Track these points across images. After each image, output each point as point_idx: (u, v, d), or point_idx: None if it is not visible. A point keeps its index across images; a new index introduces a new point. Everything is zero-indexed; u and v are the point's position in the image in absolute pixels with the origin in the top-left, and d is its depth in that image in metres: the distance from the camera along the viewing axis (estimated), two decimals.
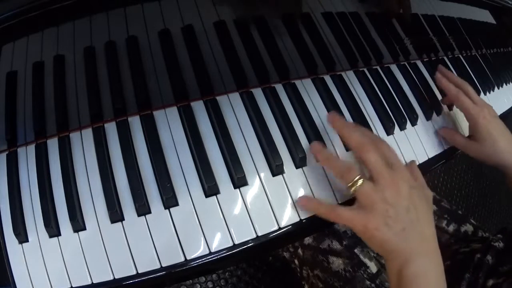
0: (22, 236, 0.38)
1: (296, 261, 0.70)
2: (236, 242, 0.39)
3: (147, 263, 0.38)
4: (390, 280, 0.39)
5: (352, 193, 0.39)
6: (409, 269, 0.37)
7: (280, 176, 0.43)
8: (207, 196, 0.40)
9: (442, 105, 0.58)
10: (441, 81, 0.54)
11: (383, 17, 0.61)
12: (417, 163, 0.51)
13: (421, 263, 0.37)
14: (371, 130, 0.49)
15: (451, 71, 0.66)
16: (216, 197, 0.41)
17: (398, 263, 0.38)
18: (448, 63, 0.67)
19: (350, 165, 0.40)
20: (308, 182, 0.43)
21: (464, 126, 0.57)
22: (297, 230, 0.42)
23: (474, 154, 0.51)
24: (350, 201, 0.44)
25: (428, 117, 0.56)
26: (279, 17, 0.51)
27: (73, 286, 0.37)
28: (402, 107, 0.54)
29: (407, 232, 0.38)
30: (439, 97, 0.59)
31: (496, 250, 0.56)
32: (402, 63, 0.60)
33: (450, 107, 0.58)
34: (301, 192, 0.43)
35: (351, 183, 0.39)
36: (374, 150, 0.39)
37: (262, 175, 0.42)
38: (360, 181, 0.38)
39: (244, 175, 0.41)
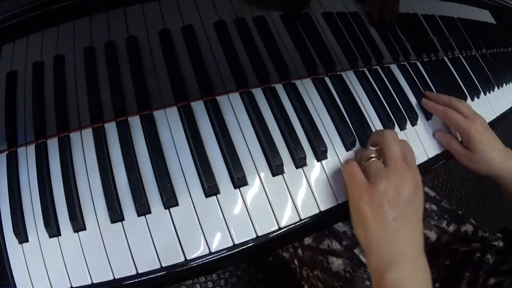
0: (22, 236, 0.38)
1: (296, 262, 0.70)
2: (236, 242, 0.39)
3: (147, 263, 0.38)
4: (371, 276, 0.37)
5: (363, 166, 0.41)
6: (392, 274, 0.35)
7: (280, 176, 0.43)
8: (207, 196, 0.40)
9: None
10: (428, 105, 0.55)
11: (379, 17, 0.61)
12: (417, 163, 0.51)
13: (405, 269, 0.35)
14: (372, 130, 0.49)
15: (451, 71, 0.66)
16: (216, 197, 0.41)
17: (378, 262, 0.36)
18: (448, 63, 0.67)
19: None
20: (308, 182, 0.43)
21: None
22: (297, 230, 0.42)
23: (467, 163, 0.52)
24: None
25: (428, 117, 0.56)
26: (279, 17, 0.52)
27: (73, 286, 0.37)
28: (402, 107, 0.54)
29: (398, 224, 0.36)
30: None
31: (496, 249, 0.56)
32: (402, 63, 0.60)
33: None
34: (301, 192, 0.43)
35: (366, 159, 0.41)
36: (396, 141, 0.41)
37: (262, 175, 0.42)
38: (373, 159, 0.41)
39: (244, 175, 0.41)
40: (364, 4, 0.59)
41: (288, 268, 0.75)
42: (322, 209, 0.43)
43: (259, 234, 0.40)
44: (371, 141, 0.46)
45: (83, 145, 0.42)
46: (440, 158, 0.54)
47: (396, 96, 0.55)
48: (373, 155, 0.41)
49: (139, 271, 0.37)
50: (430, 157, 0.53)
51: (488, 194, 1.47)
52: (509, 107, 0.72)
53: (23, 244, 0.38)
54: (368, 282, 0.59)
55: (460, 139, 0.54)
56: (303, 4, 0.54)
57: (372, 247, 0.37)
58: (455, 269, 0.58)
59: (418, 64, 0.62)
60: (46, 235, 0.38)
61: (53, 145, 0.41)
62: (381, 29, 0.59)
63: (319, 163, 0.45)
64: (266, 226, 0.40)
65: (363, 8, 0.59)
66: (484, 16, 0.83)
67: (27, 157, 0.41)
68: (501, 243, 0.58)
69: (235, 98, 0.46)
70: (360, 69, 0.55)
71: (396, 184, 0.37)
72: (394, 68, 0.58)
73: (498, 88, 0.73)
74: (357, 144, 0.48)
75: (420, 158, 0.52)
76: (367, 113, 0.51)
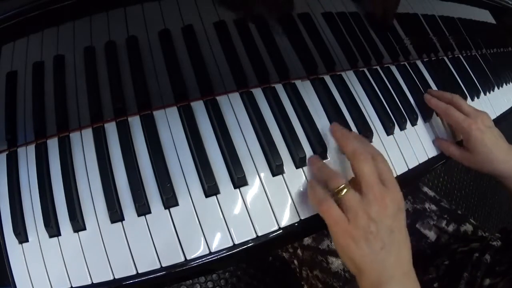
0: (22, 236, 0.38)
1: (295, 262, 0.70)
2: (236, 242, 0.39)
3: (147, 263, 0.38)
4: None
5: (336, 198, 0.38)
6: None
7: (280, 176, 0.43)
8: (207, 196, 0.40)
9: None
10: (430, 101, 0.54)
11: (380, 17, 0.61)
12: (417, 163, 0.51)
13: (395, 287, 0.36)
14: (371, 130, 0.49)
15: (451, 71, 0.66)
16: (216, 197, 0.41)
17: (370, 284, 0.36)
18: (448, 63, 0.67)
19: (338, 173, 0.40)
20: (308, 182, 0.43)
21: None
22: (297, 230, 0.42)
23: (469, 164, 0.51)
24: None
25: (428, 117, 0.55)
26: (279, 17, 0.51)
27: (73, 286, 0.37)
28: (402, 107, 0.54)
29: (385, 252, 0.36)
30: None
31: (494, 249, 0.57)
32: (402, 63, 0.60)
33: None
34: (301, 192, 0.43)
35: (336, 190, 0.38)
36: (368, 161, 0.39)
37: (262, 175, 0.42)
38: (344, 190, 0.38)
39: (244, 175, 0.41)
40: (364, 3, 0.59)
41: (288, 268, 0.75)
42: None
43: (259, 234, 0.40)
44: (341, 146, 0.44)
45: (83, 145, 0.42)
46: (440, 158, 0.54)
47: (396, 96, 0.55)
48: (341, 185, 0.38)
49: (139, 271, 0.37)
50: (430, 157, 0.53)
51: (488, 194, 1.47)
52: (509, 107, 0.72)
53: (23, 244, 0.38)
54: None
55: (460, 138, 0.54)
56: (303, 4, 0.54)
57: (362, 274, 0.37)
58: (454, 269, 0.58)
59: (418, 64, 0.62)
60: (46, 235, 0.38)
61: (53, 145, 0.41)
62: (381, 28, 0.59)
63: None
64: (266, 226, 0.40)
65: (363, 7, 0.59)
66: (484, 16, 0.83)
67: (27, 157, 0.41)
68: (499, 243, 0.58)
69: (235, 98, 0.46)
70: (360, 69, 0.55)
71: (376, 214, 0.37)
72: (394, 68, 0.58)
73: (498, 88, 0.73)
74: None
75: (420, 158, 0.52)
76: (367, 113, 0.51)
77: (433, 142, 0.54)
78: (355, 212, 0.37)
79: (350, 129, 0.48)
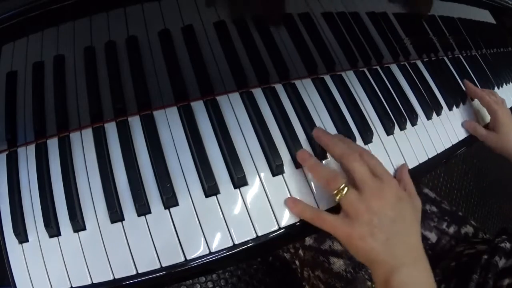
0: (22, 236, 0.38)
1: (297, 262, 0.70)
2: (236, 242, 0.39)
3: (147, 263, 0.38)
4: None
5: (337, 202, 0.39)
6: (396, 279, 0.36)
7: (280, 176, 0.43)
8: (207, 196, 0.40)
9: (443, 105, 0.58)
10: (468, 85, 0.64)
11: (384, 17, 0.61)
12: (417, 163, 0.51)
13: (407, 272, 0.37)
14: (371, 130, 0.49)
15: (451, 71, 0.66)
16: (216, 197, 0.41)
17: (383, 273, 0.37)
18: (448, 63, 0.67)
19: (336, 173, 0.40)
20: (308, 182, 0.43)
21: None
22: (297, 230, 0.42)
23: (494, 144, 0.59)
24: None
25: (428, 117, 0.56)
26: (279, 17, 0.51)
27: (73, 286, 0.37)
28: (402, 107, 0.54)
29: (392, 242, 0.37)
30: (439, 97, 0.59)
31: (503, 251, 0.56)
32: (402, 63, 0.60)
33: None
34: (301, 192, 0.43)
35: (336, 191, 0.39)
36: (359, 160, 0.40)
37: (262, 175, 0.42)
38: (345, 190, 0.38)
39: (244, 175, 0.41)
40: (364, 3, 0.59)
41: (289, 268, 0.75)
42: (322, 209, 0.43)
43: (259, 234, 0.40)
44: (328, 151, 0.44)
45: (83, 145, 0.42)
46: (440, 158, 0.54)
47: (396, 96, 0.55)
48: (341, 185, 0.38)
49: (139, 271, 0.37)
50: (430, 157, 0.53)
51: (488, 194, 1.47)
52: (509, 107, 0.72)
53: (23, 244, 0.38)
54: (369, 283, 0.59)
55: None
56: (303, 4, 0.54)
57: (374, 266, 0.38)
58: (461, 272, 0.57)
59: (418, 64, 0.62)
60: (46, 235, 0.38)
61: (53, 145, 0.41)
62: (381, 28, 0.59)
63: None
64: (266, 226, 0.40)
65: (363, 7, 0.59)
66: (484, 16, 0.83)
67: (27, 157, 0.41)
68: (508, 244, 0.57)
69: (235, 98, 0.46)
70: (360, 69, 0.55)
71: (376, 208, 0.38)
72: (394, 68, 0.58)
73: (498, 88, 0.73)
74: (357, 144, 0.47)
75: (420, 158, 0.52)
76: (367, 113, 0.51)
77: (433, 140, 0.54)
78: (357, 210, 0.38)
79: (350, 129, 0.48)
